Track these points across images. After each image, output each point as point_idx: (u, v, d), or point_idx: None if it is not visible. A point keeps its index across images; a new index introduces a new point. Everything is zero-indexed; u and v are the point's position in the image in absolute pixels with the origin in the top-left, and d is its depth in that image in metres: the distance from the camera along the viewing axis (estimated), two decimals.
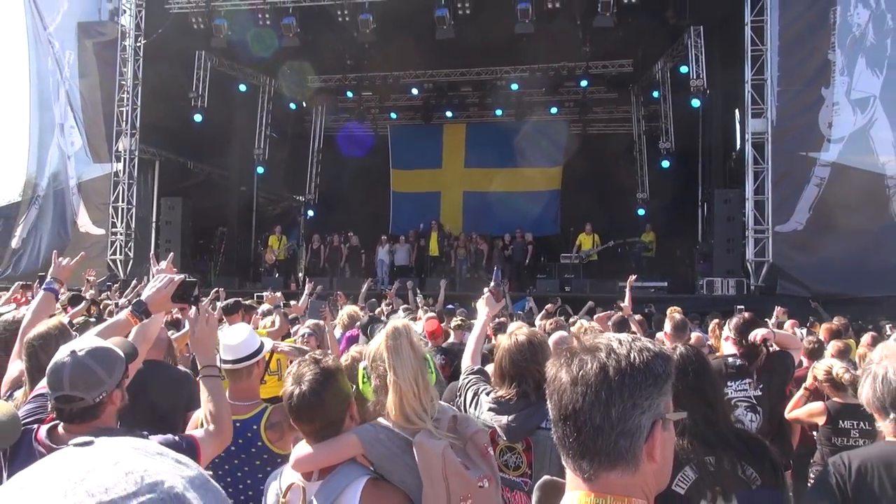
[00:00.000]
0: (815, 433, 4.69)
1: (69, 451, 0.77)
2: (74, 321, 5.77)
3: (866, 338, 7.48)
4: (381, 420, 2.44)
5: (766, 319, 6.96)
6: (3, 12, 79.42)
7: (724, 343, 4.57)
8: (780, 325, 8.52)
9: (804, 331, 8.85)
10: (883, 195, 14.55)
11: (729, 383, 4.01)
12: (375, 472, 2.35)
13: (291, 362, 5.66)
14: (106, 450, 0.77)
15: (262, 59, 19.87)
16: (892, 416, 2.43)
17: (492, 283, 3.76)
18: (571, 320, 8.49)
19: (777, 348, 4.35)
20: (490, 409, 3.14)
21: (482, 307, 3.72)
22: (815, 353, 6.21)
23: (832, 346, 5.94)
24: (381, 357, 2.45)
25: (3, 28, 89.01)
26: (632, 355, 1.31)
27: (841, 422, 4.42)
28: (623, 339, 1.35)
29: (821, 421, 4.50)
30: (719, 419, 2.65)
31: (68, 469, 0.72)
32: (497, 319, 8.80)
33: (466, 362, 3.61)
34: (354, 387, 2.62)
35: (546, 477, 1.50)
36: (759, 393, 4.00)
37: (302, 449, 2.42)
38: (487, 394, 3.24)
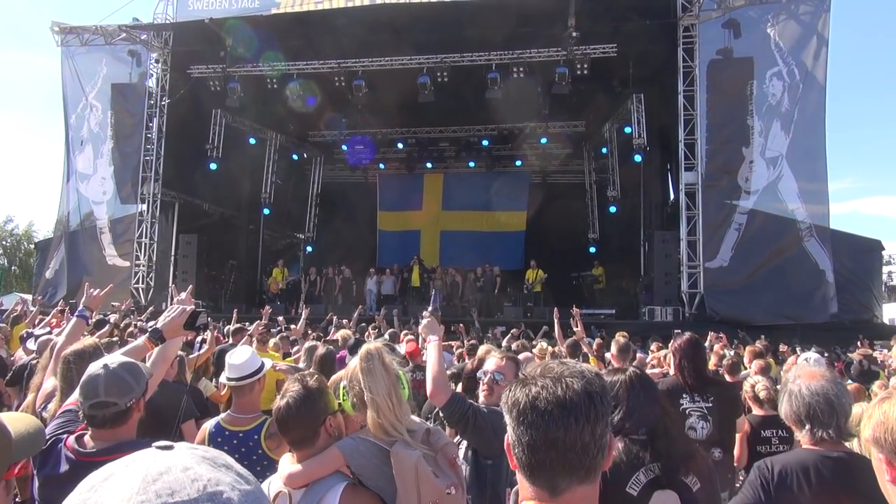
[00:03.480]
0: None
1: (152, 452, 0.79)
2: (101, 341, 5.65)
3: (791, 359, 7.53)
4: (360, 433, 2.39)
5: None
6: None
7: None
8: (711, 347, 8.58)
9: (731, 351, 8.91)
10: (795, 237, 14.81)
11: (685, 395, 4.00)
12: (353, 478, 2.30)
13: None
14: (181, 456, 0.78)
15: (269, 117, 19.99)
16: (807, 426, 2.43)
17: (429, 308, 3.31)
18: (533, 343, 8.47)
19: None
20: None
21: (427, 333, 3.21)
22: (734, 368, 6.26)
23: (755, 364, 5.96)
24: (357, 377, 2.40)
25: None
26: (599, 379, 1.27)
27: (762, 431, 4.41)
28: (584, 366, 1.30)
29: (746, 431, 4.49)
30: (669, 430, 2.64)
31: (146, 469, 0.75)
32: (469, 341, 8.79)
33: (439, 395, 3.03)
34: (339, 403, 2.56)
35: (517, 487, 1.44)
36: (710, 404, 3.99)
37: (288, 463, 2.36)
38: None
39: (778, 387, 4.61)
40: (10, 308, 11.71)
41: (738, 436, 4.33)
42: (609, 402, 1.27)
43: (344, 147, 23.02)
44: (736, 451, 4.32)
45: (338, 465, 2.30)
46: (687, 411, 3.97)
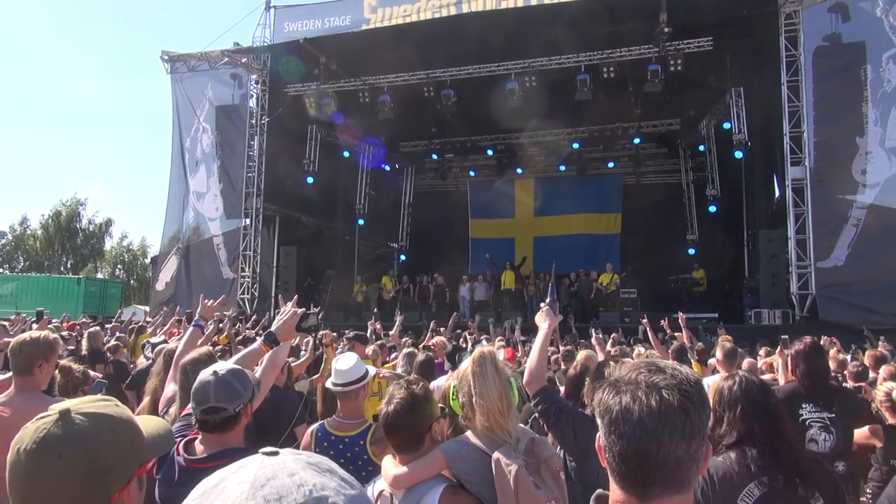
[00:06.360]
0: (872, 454, 4.30)
1: (259, 458, 0.81)
2: (214, 349, 5.95)
3: None
4: (466, 435, 2.39)
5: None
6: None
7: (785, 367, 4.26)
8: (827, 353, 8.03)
9: (848, 356, 8.30)
10: None
11: (804, 405, 3.73)
12: (454, 480, 2.30)
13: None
14: (286, 461, 0.80)
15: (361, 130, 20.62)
16: None
17: (548, 299, 3.49)
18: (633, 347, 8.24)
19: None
20: None
21: (541, 321, 3.30)
22: (860, 376, 5.81)
23: (884, 370, 5.50)
24: (467, 380, 2.40)
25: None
26: (698, 391, 1.19)
27: None
28: (682, 374, 1.22)
29: (878, 443, 4.13)
30: (785, 441, 2.48)
31: (254, 474, 0.77)
32: (565, 348, 8.67)
33: (532, 383, 3.04)
34: (446, 408, 2.58)
35: (600, 491, 1.40)
36: (833, 414, 3.69)
37: (391, 464, 2.40)
38: None
39: None
40: (128, 319, 12.63)
41: (861, 443, 4.00)
42: (707, 415, 1.19)
43: (434, 156, 23.31)
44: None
45: (441, 468, 2.31)
46: (807, 422, 3.68)
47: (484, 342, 6.47)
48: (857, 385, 5.48)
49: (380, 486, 2.42)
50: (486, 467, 2.24)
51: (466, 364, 2.46)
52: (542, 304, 3.43)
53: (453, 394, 2.49)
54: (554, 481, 2.30)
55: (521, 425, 2.53)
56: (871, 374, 5.96)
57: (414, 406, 2.40)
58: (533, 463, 2.28)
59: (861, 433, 4.21)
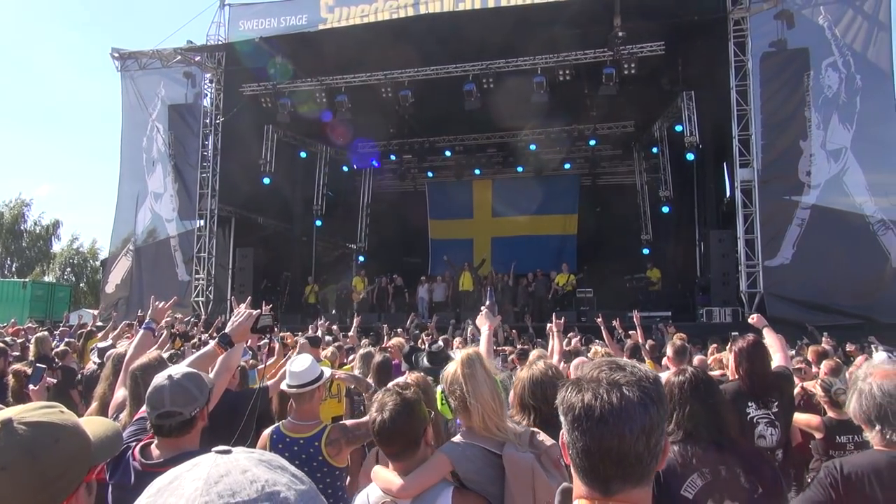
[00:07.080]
0: (811, 443, 4.48)
1: (212, 457, 0.83)
2: (166, 354, 5.83)
3: (859, 359, 7.23)
4: (462, 437, 2.40)
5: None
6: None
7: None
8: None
9: (793, 352, 8.60)
10: (866, 231, 14.26)
11: (749, 403, 3.85)
12: (457, 482, 2.32)
13: (349, 387, 5.66)
14: (239, 459, 0.83)
15: (318, 130, 20.43)
16: (877, 427, 2.36)
17: (486, 302, 3.72)
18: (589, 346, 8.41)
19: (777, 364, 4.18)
20: None
21: (482, 324, 3.50)
22: (801, 372, 6.02)
23: (825, 365, 5.71)
24: (458, 382, 2.40)
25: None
26: (657, 387, 1.24)
27: (837, 437, 4.20)
28: (641, 372, 1.26)
29: (818, 435, 4.30)
30: (728, 436, 2.58)
31: (208, 472, 0.79)
32: (519, 347, 8.79)
33: None
34: (432, 412, 2.58)
35: (565, 484, 1.44)
36: (777, 409, 3.83)
37: (389, 474, 2.37)
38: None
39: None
40: (77, 324, 12.29)
41: (797, 433, 4.15)
42: (665, 410, 1.24)
43: (392, 157, 23.27)
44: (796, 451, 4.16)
45: (446, 472, 2.32)
46: (754, 419, 3.81)
47: (441, 343, 6.49)
48: (800, 379, 5.69)
49: (375, 495, 2.37)
50: (490, 465, 2.28)
51: (455, 367, 2.47)
52: (481, 308, 3.58)
53: (443, 398, 2.49)
54: (556, 469, 2.35)
55: (513, 423, 2.57)
56: (814, 369, 6.19)
57: (409, 412, 2.38)
58: (536, 454, 2.33)
59: (801, 418, 4.38)
